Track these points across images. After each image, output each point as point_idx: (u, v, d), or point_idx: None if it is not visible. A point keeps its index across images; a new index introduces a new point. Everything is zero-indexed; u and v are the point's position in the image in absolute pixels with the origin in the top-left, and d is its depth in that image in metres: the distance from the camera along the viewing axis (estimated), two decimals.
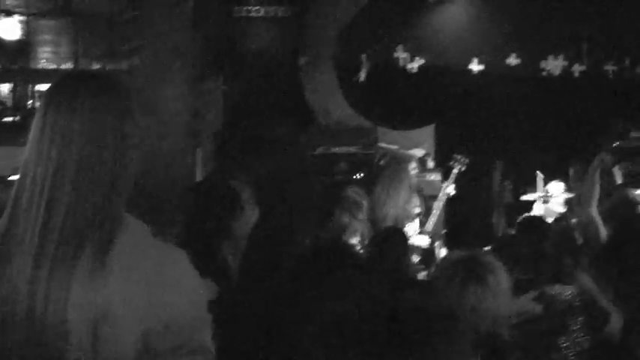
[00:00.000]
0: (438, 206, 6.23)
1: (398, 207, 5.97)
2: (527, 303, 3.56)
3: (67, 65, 10.62)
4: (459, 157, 6.50)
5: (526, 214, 6.23)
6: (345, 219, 5.32)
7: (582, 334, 3.53)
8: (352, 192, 5.50)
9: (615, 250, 4.28)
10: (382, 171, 6.38)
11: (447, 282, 2.69)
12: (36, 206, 1.51)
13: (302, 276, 2.48)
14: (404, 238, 4.87)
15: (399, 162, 6.25)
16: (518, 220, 5.25)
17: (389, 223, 5.92)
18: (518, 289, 3.28)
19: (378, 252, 3.93)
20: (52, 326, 1.45)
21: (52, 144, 1.52)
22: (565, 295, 3.72)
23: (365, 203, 5.45)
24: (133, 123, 1.60)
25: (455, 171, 6.45)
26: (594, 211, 5.17)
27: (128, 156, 1.58)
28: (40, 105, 1.60)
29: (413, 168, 6.19)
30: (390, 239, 4.40)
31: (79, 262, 1.48)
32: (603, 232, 4.97)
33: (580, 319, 3.61)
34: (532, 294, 3.67)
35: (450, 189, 6.35)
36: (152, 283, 1.52)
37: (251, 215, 3.23)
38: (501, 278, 2.72)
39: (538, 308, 3.58)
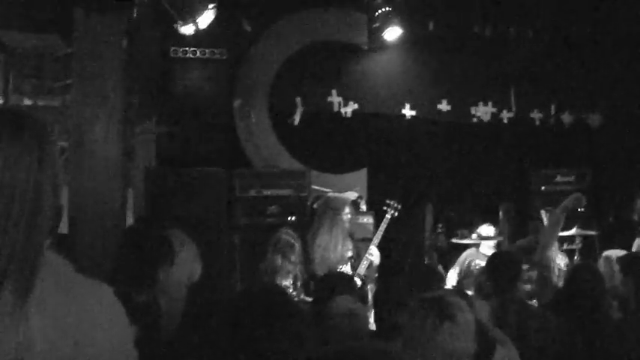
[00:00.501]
0: (370, 250, 6.25)
1: (331, 250, 6.00)
2: None
3: None
4: (391, 202, 6.57)
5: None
6: (278, 261, 5.32)
7: None
8: (285, 234, 5.51)
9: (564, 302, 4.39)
10: (317, 214, 6.40)
11: (421, 321, 2.72)
12: None
13: (239, 323, 2.48)
14: (353, 283, 4.76)
15: (334, 205, 6.28)
16: None
17: (322, 265, 5.94)
18: None
19: (327, 297, 3.87)
20: None
21: None
22: None
23: (297, 246, 5.47)
24: (50, 159, 1.57)
25: (387, 216, 6.51)
26: (551, 253, 5.35)
27: (46, 193, 1.55)
28: None
29: (347, 212, 6.23)
30: (339, 285, 4.30)
31: None
32: (554, 278, 5.13)
33: None
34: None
35: (376, 254, 6.29)
36: (76, 319, 1.49)
37: (184, 264, 3.23)
38: (470, 317, 2.77)
39: None
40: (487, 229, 6.97)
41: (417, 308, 2.82)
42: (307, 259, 5.87)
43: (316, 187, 7.73)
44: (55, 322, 1.47)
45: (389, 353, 2.63)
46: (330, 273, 5.36)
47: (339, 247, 6.03)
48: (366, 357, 2.68)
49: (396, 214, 6.54)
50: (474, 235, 7.06)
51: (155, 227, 3.37)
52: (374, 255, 6.28)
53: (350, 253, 6.12)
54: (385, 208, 6.56)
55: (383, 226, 6.45)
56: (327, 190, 7.67)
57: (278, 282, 5.28)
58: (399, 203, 6.57)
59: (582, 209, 8.24)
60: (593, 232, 7.40)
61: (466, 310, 2.80)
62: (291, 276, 5.41)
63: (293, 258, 5.39)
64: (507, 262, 4.47)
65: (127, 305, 1.65)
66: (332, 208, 6.22)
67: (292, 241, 5.47)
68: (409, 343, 2.79)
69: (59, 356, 1.46)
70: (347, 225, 6.17)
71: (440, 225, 8.35)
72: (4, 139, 1.52)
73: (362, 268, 6.13)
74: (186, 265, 3.30)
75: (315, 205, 7.23)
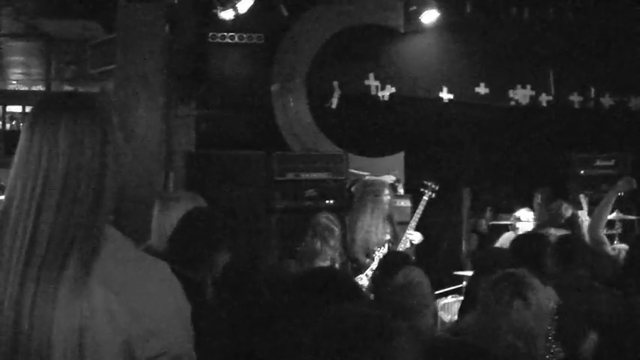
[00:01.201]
0: (408, 230, 6.28)
1: (373, 232, 6.03)
2: None
3: (38, 87, 10.59)
4: (428, 183, 6.56)
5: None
6: (317, 244, 5.35)
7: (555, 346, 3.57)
8: (325, 218, 5.54)
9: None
10: (357, 196, 6.41)
11: (496, 296, 2.82)
12: (23, 221, 1.56)
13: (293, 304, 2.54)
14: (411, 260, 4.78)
15: (374, 188, 6.29)
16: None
17: (363, 248, 5.98)
18: None
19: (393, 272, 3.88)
20: (37, 338, 1.49)
21: (39, 161, 1.59)
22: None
23: (337, 230, 5.49)
24: (114, 141, 1.67)
25: (425, 198, 6.51)
26: (601, 232, 5.38)
27: (110, 171, 1.64)
28: (25, 125, 1.66)
29: (387, 194, 6.25)
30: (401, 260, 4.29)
31: (64, 274, 1.53)
32: (609, 251, 5.15)
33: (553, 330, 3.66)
34: None
35: (417, 237, 6.36)
36: (135, 292, 1.58)
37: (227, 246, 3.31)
38: (543, 300, 2.86)
39: None
40: (526, 214, 6.95)
41: (497, 281, 2.91)
42: (347, 241, 5.91)
43: (354, 171, 7.76)
44: (117, 294, 1.55)
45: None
46: (391, 252, 5.41)
47: (380, 229, 6.05)
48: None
49: (434, 195, 6.53)
50: (512, 219, 7.05)
51: (218, 211, 3.42)
52: (413, 235, 6.31)
53: (388, 236, 6.14)
54: (422, 189, 6.56)
55: (420, 207, 6.45)
56: (365, 173, 7.70)
57: (316, 265, 5.32)
58: (436, 184, 6.57)
59: (622, 194, 8.21)
60: (633, 217, 7.33)
61: (540, 291, 2.87)
62: (329, 259, 5.44)
63: (332, 242, 5.40)
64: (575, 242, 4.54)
65: (184, 284, 1.71)
66: (372, 190, 6.24)
67: (332, 225, 5.48)
68: (484, 313, 2.89)
69: (119, 326, 1.54)
70: (387, 207, 6.19)
71: (489, 208, 8.33)
72: (69, 123, 1.61)
73: (401, 248, 6.15)
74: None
75: (353, 188, 7.27)
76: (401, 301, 3.37)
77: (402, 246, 6.20)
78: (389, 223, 6.18)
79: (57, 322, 1.50)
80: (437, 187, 6.55)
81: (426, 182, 6.58)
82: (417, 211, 6.46)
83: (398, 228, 6.37)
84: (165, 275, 1.66)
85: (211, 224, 3.15)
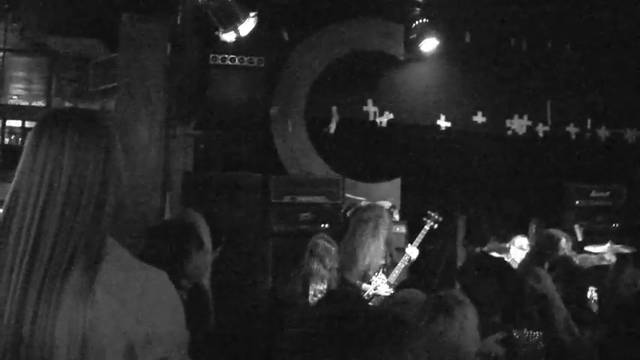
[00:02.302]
0: (403, 260, 6.27)
1: (372, 257, 6.04)
2: (492, 344, 3.61)
3: (39, 103, 10.61)
4: (432, 214, 6.57)
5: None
6: (314, 265, 5.37)
7: None
8: (322, 239, 5.56)
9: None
10: (358, 220, 6.41)
11: (419, 314, 2.85)
12: (26, 231, 1.61)
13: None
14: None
15: (376, 212, 6.30)
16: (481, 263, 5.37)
17: (360, 273, 5.98)
18: (486, 330, 3.37)
19: None
20: (38, 347, 1.51)
21: (43, 174, 1.65)
22: (531, 340, 3.79)
23: (334, 251, 5.52)
24: (115, 156, 1.74)
25: (426, 227, 6.50)
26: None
27: (111, 185, 1.69)
28: (29, 138, 1.72)
29: (387, 218, 6.25)
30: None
31: (67, 283, 1.58)
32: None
33: None
34: (498, 336, 3.73)
35: (414, 253, 6.37)
36: (137, 299, 1.64)
37: (208, 249, 3.33)
38: (469, 313, 2.87)
39: (501, 351, 3.63)
40: (521, 241, 6.97)
41: (418, 303, 2.99)
42: (344, 265, 5.91)
43: (350, 196, 7.79)
44: (120, 300, 1.60)
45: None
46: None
47: (380, 253, 6.07)
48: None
49: (436, 226, 6.54)
50: (508, 246, 7.06)
51: (180, 217, 3.45)
52: (412, 250, 6.34)
53: (382, 262, 6.14)
54: (425, 219, 6.56)
55: (420, 236, 6.44)
56: (361, 198, 7.74)
57: (312, 287, 5.33)
58: (440, 216, 6.58)
59: (616, 225, 8.25)
60: (627, 250, 7.35)
61: (467, 306, 2.90)
62: (325, 281, 5.45)
63: (329, 263, 5.44)
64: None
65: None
66: (374, 214, 6.24)
67: (329, 246, 5.52)
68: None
69: (123, 332, 1.58)
70: (387, 232, 6.20)
71: (493, 237, 8.34)
72: (74, 137, 1.66)
73: (392, 277, 6.13)
74: (209, 250, 3.38)
75: (348, 213, 7.29)
76: None
77: (402, 265, 6.19)
78: (387, 248, 6.19)
79: (60, 329, 1.55)
80: (440, 219, 6.57)
81: (430, 212, 6.59)
82: (417, 239, 6.46)
83: (395, 253, 6.38)
84: (164, 283, 1.72)
85: (176, 228, 3.17)
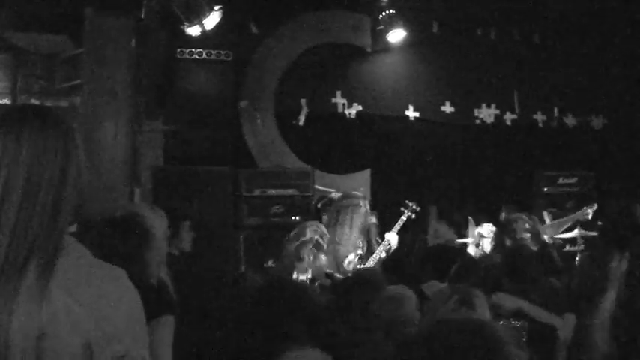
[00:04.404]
0: (384, 245, 6.27)
1: (349, 246, 6.06)
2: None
3: (5, 101, 10.48)
4: (410, 204, 6.55)
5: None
6: (300, 255, 5.38)
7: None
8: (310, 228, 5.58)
9: None
10: (335, 209, 6.38)
11: (442, 304, 3.01)
12: None
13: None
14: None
15: (353, 201, 6.30)
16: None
17: (336, 260, 5.98)
18: None
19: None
20: None
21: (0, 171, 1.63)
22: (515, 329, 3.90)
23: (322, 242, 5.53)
24: (75, 154, 1.72)
25: (403, 218, 6.47)
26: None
27: (70, 184, 1.69)
28: None
29: (364, 206, 6.25)
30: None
31: (23, 282, 1.58)
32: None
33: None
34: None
35: (394, 239, 6.34)
36: (96, 297, 1.63)
37: (160, 240, 3.30)
38: (485, 309, 3.05)
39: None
40: (488, 228, 7.04)
41: (440, 293, 3.17)
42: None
43: (320, 188, 7.81)
44: (77, 299, 1.60)
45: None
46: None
47: (358, 242, 6.08)
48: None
49: (413, 216, 6.53)
50: (476, 234, 7.13)
51: (123, 212, 3.36)
52: (391, 237, 6.32)
53: (359, 251, 6.13)
54: (403, 209, 6.53)
55: (397, 226, 6.41)
56: (331, 190, 7.76)
57: (295, 277, 5.33)
58: (417, 206, 6.57)
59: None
60: (595, 234, 7.45)
61: (484, 302, 3.08)
62: (309, 271, 5.44)
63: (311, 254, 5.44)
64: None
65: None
66: (350, 203, 6.23)
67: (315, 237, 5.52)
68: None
69: (80, 329, 1.59)
70: (365, 219, 6.21)
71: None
72: (32, 134, 1.66)
73: (380, 255, 6.14)
74: (161, 240, 3.34)
75: (319, 205, 7.31)
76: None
77: (381, 251, 6.17)
78: (365, 236, 6.19)
79: (15, 327, 1.54)
80: (418, 209, 6.57)
81: (407, 202, 6.57)
82: (396, 225, 6.42)
83: (374, 241, 6.38)
84: (123, 281, 1.71)
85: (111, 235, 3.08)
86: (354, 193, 6.84)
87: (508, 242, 5.88)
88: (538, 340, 3.98)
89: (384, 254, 6.19)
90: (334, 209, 6.39)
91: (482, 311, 3.02)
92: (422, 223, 8.34)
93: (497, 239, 6.28)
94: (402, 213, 6.52)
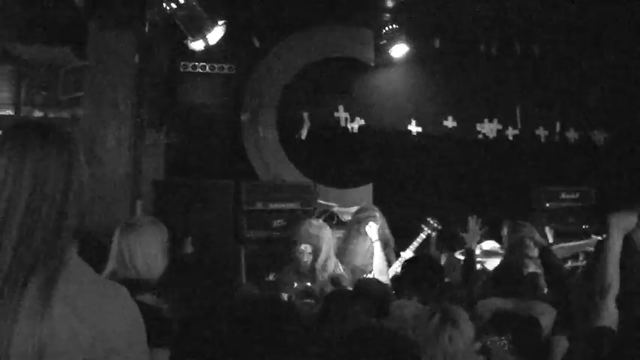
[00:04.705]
0: (395, 266, 6.15)
1: (367, 255, 6.05)
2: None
3: (8, 112, 10.50)
4: (432, 222, 6.51)
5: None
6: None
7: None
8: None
9: None
10: (354, 222, 6.35)
11: (425, 321, 3.10)
12: None
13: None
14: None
15: (369, 213, 6.27)
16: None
17: (354, 272, 5.95)
18: None
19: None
20: None
21: (4, 184, 1.64)
22: (503, 347, 3.89)
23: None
24: (78, 168, 1.73)
25: (422, 235, 6.40)
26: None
27: (72, 198, 1.69)
28: None
29: (380, 218, 6.23)
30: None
31: (24, 297, 1.57)
32: None
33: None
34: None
35: (408, 253, 6.27)
36: (97, 313, 1.63)
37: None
38: (469, 327, 3.12)
39: None
40: (491, 244, 7.01)
41: (422, 312, 3.29)
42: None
43: (322, 202, 7.79)
44: (78, 315, 1.60)
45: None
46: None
47: (369, 254, 6.05)
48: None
49: (433, 234, 6.46)
50: (478, 251, 7.09)
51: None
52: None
53: (379, 263, 6.07)
54: (423, 226, 6.47)
55: (415, 243, 6.34)
56: (333, 204, 7.75)
57: (300, 286, 5.34)
58: (439, 225, 6.50)
59: (586, 226, 8.33)
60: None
61: (467, 320, 3.14)
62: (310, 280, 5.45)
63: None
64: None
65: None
66: (367, 216, 6.20)
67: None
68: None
69: (80, 345, 1.59)
70: (383, 231, 6.18)
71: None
72: (36, 149, 1.66)
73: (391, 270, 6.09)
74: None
75: (322, 219, 7.29)
76: None
77: (398, 266, 6.12)
78: (383, 248, 6.11)
79: (16, 341, 1.54)
80: (440, 227, 6.51)
81: (429, 220, 6.52)
82: (414, 243, 6.36)
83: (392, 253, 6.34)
84: (124, 298, 1.72)
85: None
86: (371, 205, 6.83)
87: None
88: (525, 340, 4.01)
89: (399, 270, 6.15)
90: (354, 221, 6.36)
91: (465, 327, 3.10)
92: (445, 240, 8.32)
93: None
94: (422, 230, 6.46)
